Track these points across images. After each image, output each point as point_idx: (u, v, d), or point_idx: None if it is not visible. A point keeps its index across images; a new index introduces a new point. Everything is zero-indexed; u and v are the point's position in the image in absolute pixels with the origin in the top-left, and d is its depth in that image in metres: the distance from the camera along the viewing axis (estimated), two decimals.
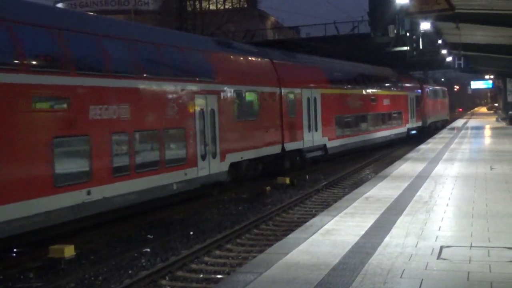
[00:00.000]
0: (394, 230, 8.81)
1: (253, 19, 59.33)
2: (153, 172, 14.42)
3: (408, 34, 34.27)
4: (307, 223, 9.78)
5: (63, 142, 11.98)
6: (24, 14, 11.93)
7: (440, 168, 17.02)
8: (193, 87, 16.55)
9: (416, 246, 7.80)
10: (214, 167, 17.27)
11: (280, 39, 54.58)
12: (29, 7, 12.49)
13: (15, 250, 11.64)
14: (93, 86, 12.87)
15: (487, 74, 57.00)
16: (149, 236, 13.38)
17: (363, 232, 8.72)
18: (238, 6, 55.86)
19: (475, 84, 72.75)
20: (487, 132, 37.79)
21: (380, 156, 30.69)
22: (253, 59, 21.68)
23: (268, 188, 19.45)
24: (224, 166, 17.88)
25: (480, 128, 42.08)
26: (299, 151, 23.73)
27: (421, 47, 35.10)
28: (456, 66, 36.75)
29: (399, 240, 8.18)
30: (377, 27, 33.72)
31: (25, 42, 11.44)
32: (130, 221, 14.42)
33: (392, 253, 7.46)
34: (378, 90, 34.93)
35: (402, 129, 38.93)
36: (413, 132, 41.72)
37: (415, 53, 35.69)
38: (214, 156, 17.34)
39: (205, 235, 13.28)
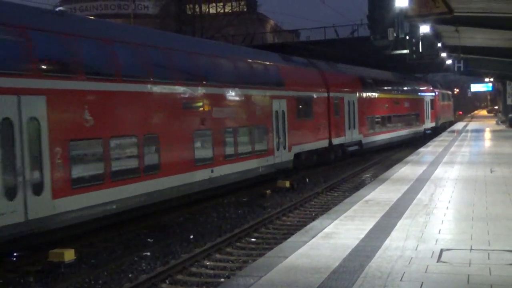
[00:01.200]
0: (394, 233, 8.81)
1: (252, 23, 59.36)
2: (248, 158, 19.31)
3: (407, 37, 34.33)
4: (307, 227, 9.78)
5: (199, 134, 16.64)
6: (188, 45, 18.15)
7: (440, 171, 17.02)
8: (271, 93, 21.38)
9: (416, 249, 7.80)
10: (284, 156, 22.08)
11: (280, 42, 54.61)
12: (195, 41, 20.39)
13: (15, 254, 11.63)
14: (214, 93, 17.67)
15: (486, 77, 56.92)
16: (149, 240, 13.37)
17: (363, 235, 8.72)
18: (237, 9, 55.89)
19: (475, 87, 72.64)
20: (487, 135, 37.80)
21: (380, 159, 30.70)
22: (308, 69, 26.68)
23: (268, 191, 19.45)
24: (290, 156, 22.66)
25: (480, 131, 42.09)
26: (341, 145, 28.51)
27: (420, 50, 35.13)
28: (455, 69, 36.68)
29: (399, 243, 8.18)
30: (377, 30, 33.79)
31: (180, 64, 16.57)
32: (130, 225, 14.40)
33: (392, 256, 7.46)
34: (401, 95, 40.09)
35: (420, 129, 44.32)
36: (428, 131, 46.58)
37: (414, 56, 35.72)
38: (284, 148, 22.10)
39: (205, 239, 13.27)
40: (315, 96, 25.58)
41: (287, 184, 20.67)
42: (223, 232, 13.88)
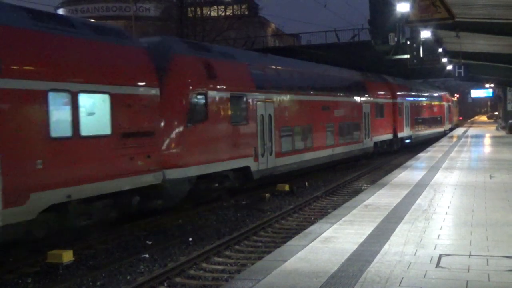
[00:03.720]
0: (393, 238, 8.81)
1: (253, 26, 59.47)
2: (350, 143, 28.44)
3: (408, 42, 34.27)
4: (306, 231, 9.77)
5: (328, 126, 25.67)
6: (325, 70, 28.22)
7: (439, 176, 17.03)
8: (362, 99, 30.65)
9: (415, 255, 7.80)
10: (368, 143, 31.43)
11: (281, 46, 54.66)
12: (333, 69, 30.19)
13: (13, 255, 11.61)
14: (335, 100, 26.91)
15: (487, 82, 57.09)
16: (147, 242, 13.35)
17: (362, 240, 8.72)
18: (239, 13, 55.96)
19: (475, 93, 72.77)
20: (487, 140, 37.81)
21: (379, 164, 30.69)
22: (381, 82, 36.04)
23: (267, 195, 19.43)
24: (372, 143, 32.03)
25: (480, 137, 42.12)
26: (401, 138, 38.14)
27: (421, 55, 35.07)
28: (456, 74, 36.70)
29: (398, 248, 8.18)
30: (378, 35, 33.78)
31: (322, 83, 26.15)
32: (129, 227, 14.39)
33: (391, 261, 7.46)
34: (433, 101, 50.89)
35: (442, 129, 54.36)
36: (447, 131, 56.17)
37: (415, 61, 35.63)
38: (368, 137, 31.30)
39: (204, 242, 13.25)
40: (386, 102, 35.13)
41: (287, 187, 20.65)
42: (222, 235, 13.87)
